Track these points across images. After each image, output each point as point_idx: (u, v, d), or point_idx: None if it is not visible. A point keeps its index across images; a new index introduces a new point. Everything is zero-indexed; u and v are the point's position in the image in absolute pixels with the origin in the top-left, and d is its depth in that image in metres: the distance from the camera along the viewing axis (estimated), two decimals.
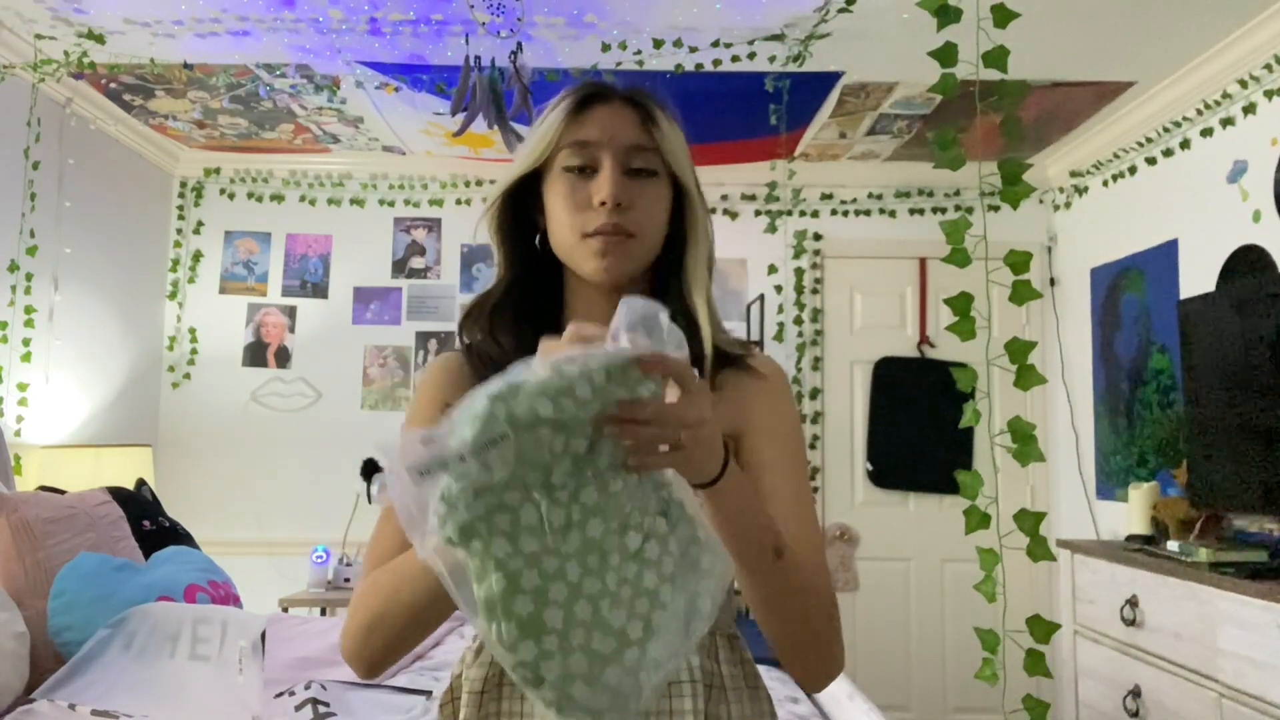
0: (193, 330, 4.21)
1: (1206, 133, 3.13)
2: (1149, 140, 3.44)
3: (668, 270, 0.99)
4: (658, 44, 2.90)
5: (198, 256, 4.25)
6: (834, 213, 4.27)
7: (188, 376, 4.19)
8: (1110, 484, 3.68)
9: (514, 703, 0.90)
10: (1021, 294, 1.47)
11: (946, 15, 1.49)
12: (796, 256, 4.21)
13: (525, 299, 1.00)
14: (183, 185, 4.29)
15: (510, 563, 0.62)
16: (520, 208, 1.00)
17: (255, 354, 4.24)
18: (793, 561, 0.82)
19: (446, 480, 0.61)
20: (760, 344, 3.94)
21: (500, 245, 1.01)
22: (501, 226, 1.01)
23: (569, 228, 0.93)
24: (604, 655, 0.64)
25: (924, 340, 4.19)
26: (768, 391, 0.97)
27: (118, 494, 2.70)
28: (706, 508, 0.75)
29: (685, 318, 0.96)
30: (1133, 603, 2.72)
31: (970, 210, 4.11)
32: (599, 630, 0.64)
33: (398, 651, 0.87)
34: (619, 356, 0.63)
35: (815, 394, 4.19)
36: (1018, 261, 1.43)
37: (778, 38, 2.92)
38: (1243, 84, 2.93)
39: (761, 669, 0.98)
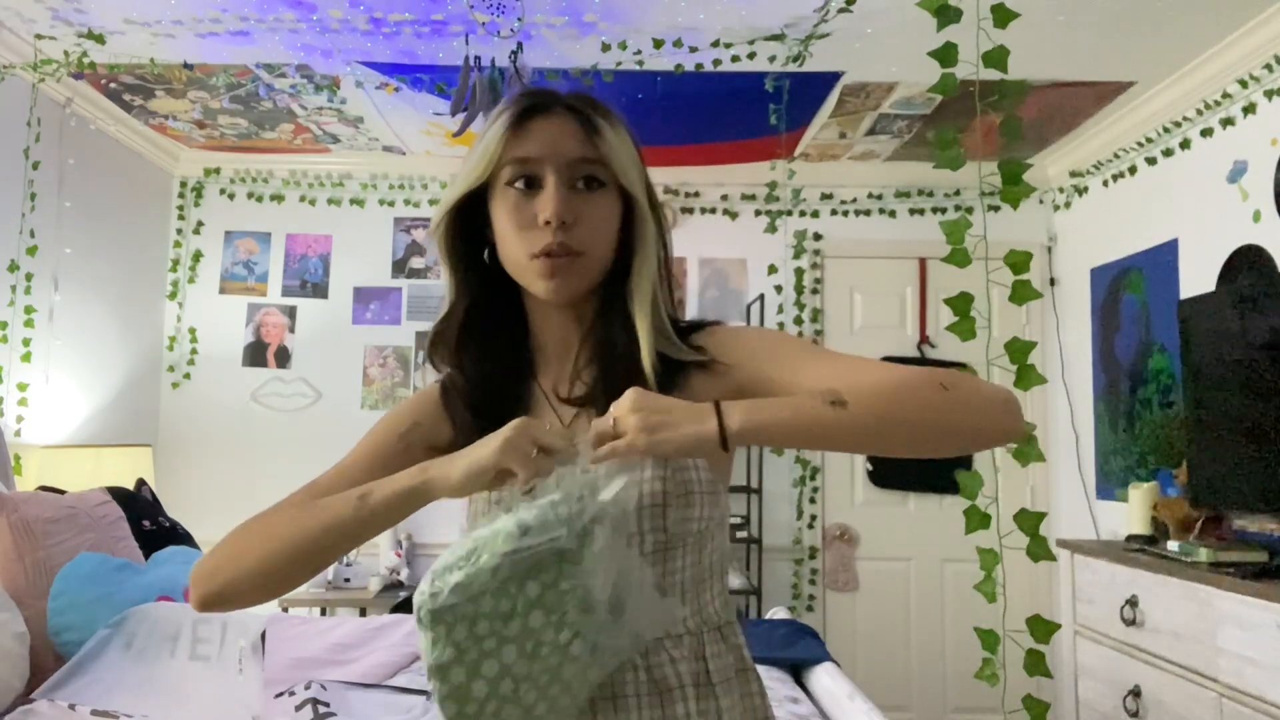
0: (193, 330, 4.21)
1: (1206, 133, 3.13)
2: (1149, 140, 3.44)
3: (614, 282, 0.97)
4: (658, 44, 2.90)
5: (198, 256, 4.25)
6: (834, 213, 4.27)
7: (188, 376, 4.19)
8: (1110, 484, 3.68)
9: None
10: (1021, 294, 1.47)
11: (946, 15, 1.49)
12: (796, 256, 4.21)
13: (487, 320, 0.98)
14: (183, 185, 4.29)
15: (464, 644, 0.74)
16: (469, 225, 0.98)
17: (255, 354, 4.24)
18: (865, 392, 0.80)
19: (444, 579, 0.73)
20: None
21: (453, 267, 0.98)
22: (453, 246, 0.98)
23: (516, 247, 0.92)
24: None
25: (924, 340, 4.19)
26: (729, 358, 0.94)
27: (118, 494, 2.70)
28: (764, 444, 0.79)
29: (628, 333, 0.94)
30: (1133, 603, 2.72)
31: (970, 210, 4.10)
32: (513, 705, 0.75)
33: (251, 593, 0.91)
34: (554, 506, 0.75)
35: None
36: (1018, 261, 1.44)
37: (778, 38, 2.92)
38: (1243, 84, 2.93)
39: (761, 669, 0.97)
